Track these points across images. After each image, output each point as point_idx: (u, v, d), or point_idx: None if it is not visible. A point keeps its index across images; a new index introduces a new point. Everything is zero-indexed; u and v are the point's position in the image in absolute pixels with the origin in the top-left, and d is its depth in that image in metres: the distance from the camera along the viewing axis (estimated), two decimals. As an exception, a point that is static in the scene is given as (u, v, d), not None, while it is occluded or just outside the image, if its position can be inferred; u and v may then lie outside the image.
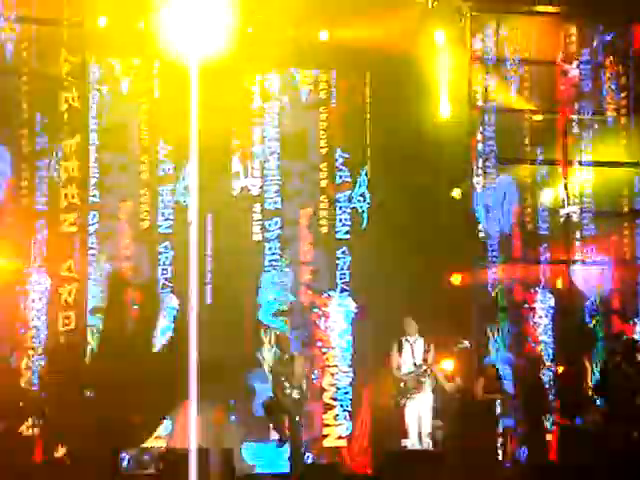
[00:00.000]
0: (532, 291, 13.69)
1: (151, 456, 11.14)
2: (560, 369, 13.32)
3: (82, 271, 11.99)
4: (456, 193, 13.28)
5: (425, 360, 11.48)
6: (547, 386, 13.26)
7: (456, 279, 13.30)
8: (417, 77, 12.77)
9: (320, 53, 12.99)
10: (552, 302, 13.76)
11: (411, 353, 11.52)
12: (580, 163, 13.74)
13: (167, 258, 12.81)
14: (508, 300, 13.42)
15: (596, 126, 13.79)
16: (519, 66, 13.56)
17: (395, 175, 13.05)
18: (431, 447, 11.47)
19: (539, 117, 13.61)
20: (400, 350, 11.57)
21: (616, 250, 13.95)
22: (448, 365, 12.11)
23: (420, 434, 11.48)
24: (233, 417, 12.41)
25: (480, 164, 13.43)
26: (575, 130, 13.74)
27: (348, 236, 13.40)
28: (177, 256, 12.70)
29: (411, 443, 11.46)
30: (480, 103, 13.35)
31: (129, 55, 12.76)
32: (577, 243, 13.74)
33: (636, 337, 13.29)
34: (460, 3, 12.85)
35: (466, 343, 12.09)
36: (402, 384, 11.49)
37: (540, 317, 13.67)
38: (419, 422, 11.49)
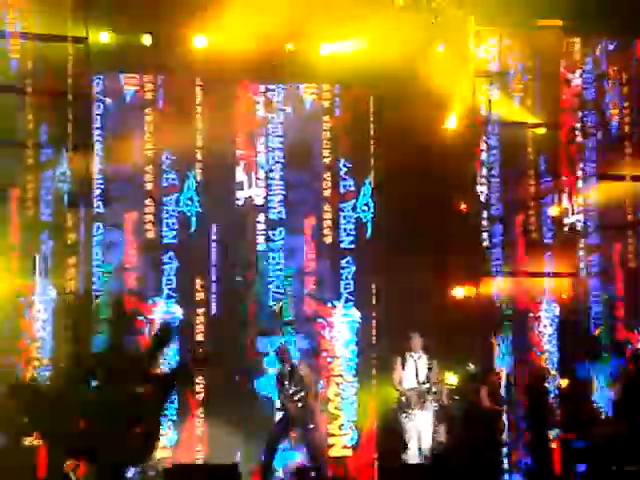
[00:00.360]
0: (537, 300, 13.71)
1: (156, 471, 11.11)
2: (564, 382, 13.32)
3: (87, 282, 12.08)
4: (462, 206, 13.35)
5: (428, 377, 11.48)
6: (552, 398, 13.26)
7: (461, 291, 13.32)
8: (421, 89, 12.78)
9: (323, 67, 12.99)
10: (557, 311, 13.77)
11: (414, 369, 11.53)
12: (583, 173, 13.77)
13: (171, 268, 12.82)
14: (513, 310, 13.43)
15: (599, 136, 13.81)
16: (522, 78, 13.59)
17: (399, 186, 13.05)
18: (431, 462, 11.46)
19: (542, 130, 13.64)
20: (403, 365, 11.58)
21: (620, 259, 13.97)
22: (452, 380, 12.15)
23: (420, 449, 11.48)
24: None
25: (484, 173, 13.46)
26: (578, 139, 13.75)
27: (352, 246, 13.41)
28: (181, 266, 12.75)
29: (410, 458, 11.46)
30: (484, 114, 13.38)
31: (133, 69, 12.77)
32: (581, 252, 13.76)
33: None
34: (463, 16, 12.84)
35: (472, 366, 12.09)
36: (404, 399, 11.51)
37: (545, 326, 13.68)
38: (419, 438, 11.49)
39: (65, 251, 11.93)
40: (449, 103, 13.34)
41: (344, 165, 13.45)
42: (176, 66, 12.57)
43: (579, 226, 13.73)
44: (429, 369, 11.62)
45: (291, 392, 11.55)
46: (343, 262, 13.36)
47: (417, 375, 11.57)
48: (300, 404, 11.56)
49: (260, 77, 13.13)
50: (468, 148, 13.37)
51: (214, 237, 12.93)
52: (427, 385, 11.51)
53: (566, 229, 13.70)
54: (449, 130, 13.42)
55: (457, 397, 12.29)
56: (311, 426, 11.52)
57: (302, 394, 11.58)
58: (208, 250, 12.88)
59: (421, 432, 11.49)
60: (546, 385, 13.40)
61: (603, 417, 13.20)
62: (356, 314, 13.27)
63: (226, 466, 10.48)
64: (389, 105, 13.19)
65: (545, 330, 13.65)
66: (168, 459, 12.16)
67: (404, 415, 11.52)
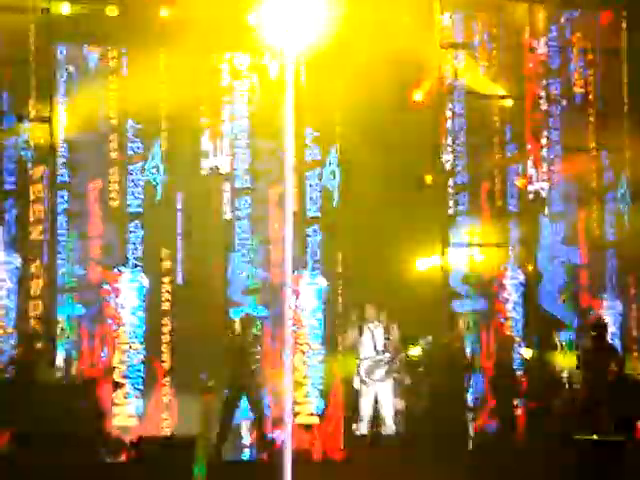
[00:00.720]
0: (502, 269, 13.80)
1: (124, 444, 11.06)
2: (527, 351, 13.41)
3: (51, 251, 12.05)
4: (427, 179, 13.37)
5: (385, 346, 11.49)
6: (517, 366, 13.36)
7: (426, 261, 13.39)
8: (387, 56, 12.76)
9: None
10: (522, 279, 13.87)
11: (371, 338, 11.53)
12: (548, 142, 13.84)
13: (137, 237, 12.78)
14: (478, 279, 13.53)
15: (564, 103, 13.87)
16: (487, 47, 13.62)
17: (365, 155, 13.06)
18: (394, 431, 11.51)
19: (509, 102, 13.68)
20: (360, 335, 11.58)
21: (584, 227, 14.08)
22: (415, 352, 12.21)
23: (378, 419, 11.50)
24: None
25: (450, 142, 13.51)
26: (543, 108, 13.80)
27: (319, 214, 13.41)
28: (147, 235, 12.71)
29: (363, 428, 11.50)
30: (449, 83, 13.40)
31: (98, 39, 12.65)
32: (545, 220, 13.86)
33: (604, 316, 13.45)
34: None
35: (429, 339, 12.10)
36: (360, 367, 11.51)
37: (510, 294, 13.78)
38: (376, 407, 11.48)
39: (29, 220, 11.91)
40: (415, 72, 13.34)
41: (309, 133, 13.42)
42: (141, 35, 12.48)
43: (543, 194, 13.81)
44: (387, 339, 11.61)
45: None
46: (309, 230, 13.37)
47: (375, 345, 11.57)
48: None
49: (225, 47, 13.06)
50: (434, 118, 13.40)
51: (179, 206, 12.89)
52: (384, 355, 11.49)
53: (531, 197, 13.79)
54: (415, 100, 13.43)
55: (419, 369, 12.32)
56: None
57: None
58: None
59: (380, 402, 11.47)
60: (511, 353, 13.50)
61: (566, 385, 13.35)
62: (322, 282, 13.29)
63: (191, 438, 10.48)
64: (356, 74, 13.15)
65: (510, 297, 13.76)
66: (134, 428, 12.20)
67: (360, 384, 11.52)
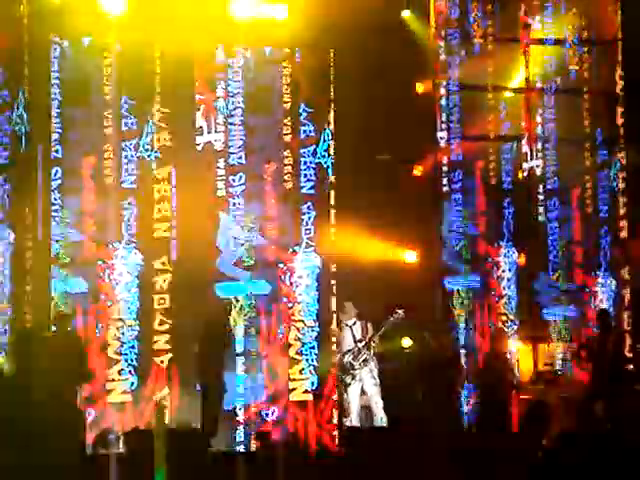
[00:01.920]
0: (495, 245, 13.83)
1: (116, 436, 11.06)
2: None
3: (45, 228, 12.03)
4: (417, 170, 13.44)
5: (363, 338, 11.51)
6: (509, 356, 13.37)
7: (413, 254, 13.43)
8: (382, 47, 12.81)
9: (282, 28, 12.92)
10: (515, 257, 13.90)
11: (351, 335, 11.55)
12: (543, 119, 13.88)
13: (131, 214, 12.75)
14: (472, 254, 13.57)
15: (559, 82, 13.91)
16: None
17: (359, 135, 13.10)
18: (385, 423, 11.52)
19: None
20: (340, 332, 11.61)
21: (578, 204, 14.11)
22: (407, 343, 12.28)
23: (367, 411, 11.52)
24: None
25: (444, 118, 13.54)
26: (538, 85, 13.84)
27: (313, 191, 13.40)
28: (141, 212, 12.67)
29: (351, 421, 11.51)
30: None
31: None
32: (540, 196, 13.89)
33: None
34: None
35: (400, 313, 12.12)
36: (344, 362, 11.53)
37: (504, 271, 13.80)
38: (363, 400, 11.51)
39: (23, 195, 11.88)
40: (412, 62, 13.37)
41: (304, 110, 13.41)
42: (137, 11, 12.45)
43: (538, 171, 13.83)
44: (365, 330, 11.63)
45: None
46: (304, 208, 13.36)
47: (354, 340, 11.60)
48: None
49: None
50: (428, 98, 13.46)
51: (174, 182, 12.86)
52: (362, 343, 11.51)
53: (525, 174, 13.81)
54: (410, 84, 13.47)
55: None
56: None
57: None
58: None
59: (367, 394, 11.47)
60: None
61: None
62: (316, 260, 13.29)
63: (188, 430, 10.46)
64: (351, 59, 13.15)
65: (504, 274, 13.79)
66: (128, 403, 12.22)
67: (346, 378, 11.53)
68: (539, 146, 13.99)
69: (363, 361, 11.51)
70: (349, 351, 11.57)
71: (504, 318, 13.68)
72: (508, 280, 13.73)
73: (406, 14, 13.58)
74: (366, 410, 11.97)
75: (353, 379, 11.51)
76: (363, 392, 11.66)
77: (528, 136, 13.96)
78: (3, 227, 11.95)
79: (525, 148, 13.95)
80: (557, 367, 13.63)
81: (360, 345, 11.55)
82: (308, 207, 13.37)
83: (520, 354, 13.65)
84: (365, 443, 10.16)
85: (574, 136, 14.06)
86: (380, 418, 11.63)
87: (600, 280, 14.09)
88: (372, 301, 12.88)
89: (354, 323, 11.75)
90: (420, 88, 13.63)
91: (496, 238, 13.80)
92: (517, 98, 13.93)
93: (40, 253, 11.93)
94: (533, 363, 13.64)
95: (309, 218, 13.37)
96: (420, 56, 13.50)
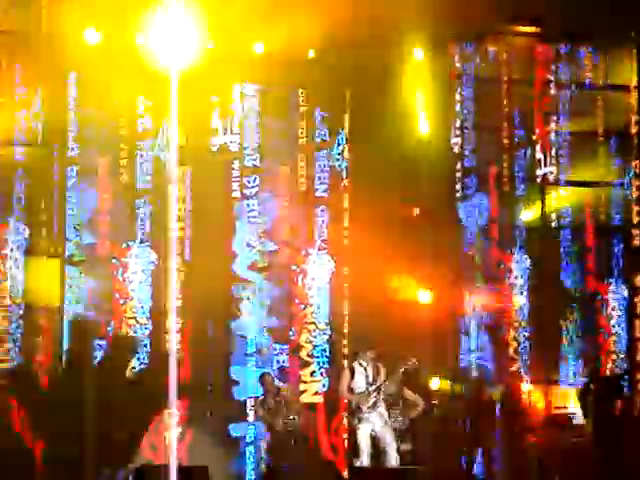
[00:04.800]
0: (508, 253, 13.86)
1: (126, 473, 11.03)
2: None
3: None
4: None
5: (375, 380, 11.48)
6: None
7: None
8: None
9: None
10: (528, 263, 13.94)
11: (365, 376, 11.52)
12: (557, 125, 13.89)
13: (145, 213, 12.81)
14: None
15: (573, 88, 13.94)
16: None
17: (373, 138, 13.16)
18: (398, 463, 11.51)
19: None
20: (352, 374, 11.57)
21: (590, 212, 14.16)
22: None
23: (379, 452, 11.50)
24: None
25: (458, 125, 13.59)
26: (552, 92, 13.86)
27: (326, 194, 13.45)
28: (155, 211, 12.74)
29: (362, 462, 11.50)
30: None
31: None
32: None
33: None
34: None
35: (413, 360, 12.06)
36: (354, 403, 11.52)
37: (516, 277, 13.83)
38: (373, 441, 11.49)
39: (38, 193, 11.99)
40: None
41: (320, 114, 13.47)
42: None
43: (551, 178, 13.87)
44: (377, 373, 11.61)
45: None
46: (317, 210, 13.41)
47: (367, 382, 11.57)
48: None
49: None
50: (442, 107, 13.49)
51: (188, 183, 12.93)
52: (375, 385, 11.49)
53: (538, 180, 13.85)
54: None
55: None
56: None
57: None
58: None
59: (377, 436, 11.48)
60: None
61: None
62: (329, 262, 13.33)
63: (197, 468, 10.34)
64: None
65: (516, 281, 13.82)
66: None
67: (357, 420, 11.53)
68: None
69: (373, 404, 11.46)
70: (360, 393, 11.47)
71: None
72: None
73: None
74: (382, 452, 11.85)
75: (360, 422, 11.47)
76: (374, 434, 11.59)
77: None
78: (19, 224, 12.04)
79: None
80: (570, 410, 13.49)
81: (371, 388, 11.45)
82: (321, 210, 13.42)
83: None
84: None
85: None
86: (394, 459, 11.57)
87: (612, 288, 14.09)
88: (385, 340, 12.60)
89: (368, 364, 11.65)
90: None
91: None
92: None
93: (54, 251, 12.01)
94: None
95: (322, 221, 13.41)
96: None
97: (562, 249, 14.04)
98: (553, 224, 13.98)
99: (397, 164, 13.07)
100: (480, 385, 13.28)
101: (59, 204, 12.24)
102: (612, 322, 13.99)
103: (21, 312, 11.85)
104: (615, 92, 14.04)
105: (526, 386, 13.48)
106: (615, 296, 14.02)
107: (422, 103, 13.39)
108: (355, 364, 11.59)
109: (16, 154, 12.09)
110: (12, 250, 11.86)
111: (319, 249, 13.32)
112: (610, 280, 14.05)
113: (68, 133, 12.45)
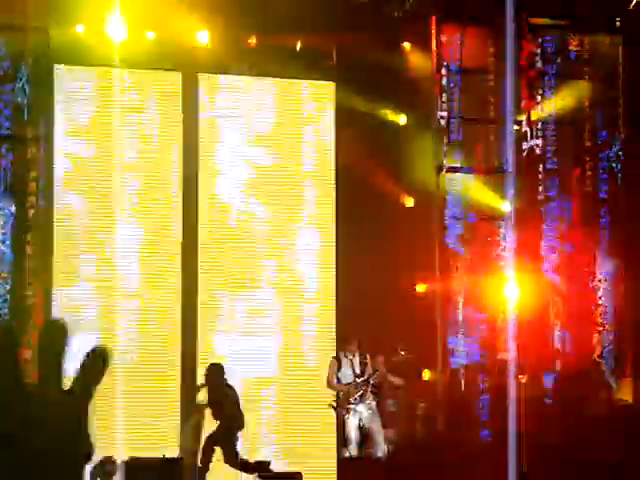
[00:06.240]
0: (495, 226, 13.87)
1: (114, 466, 10.97)
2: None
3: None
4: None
5: (362, 372, 11.47)
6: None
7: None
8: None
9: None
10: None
11: (351, 367, 11.51)
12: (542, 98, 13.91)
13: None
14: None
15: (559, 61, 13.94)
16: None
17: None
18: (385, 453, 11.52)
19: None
20: (339, 366, 11.60)
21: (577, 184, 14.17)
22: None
23: (367, 443, 11.50)
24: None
25: (444, 98, 13.62)
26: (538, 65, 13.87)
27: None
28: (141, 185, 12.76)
29: (350, 453, 11.51)
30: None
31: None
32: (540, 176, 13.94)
33: None
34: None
35: (403, 354, 12.05)
36: (341, 394, 11.53)
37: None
38: (361, 432, 11.49)
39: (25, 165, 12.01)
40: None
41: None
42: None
43: (538, 150, 13.86)
44: (364, 364, 11.61)
45: None
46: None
47: (354, 372, 11.56)
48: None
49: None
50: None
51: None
52: (363, 377, 11.48)
53: (524, 154, 13.84)
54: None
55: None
56: None
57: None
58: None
59: (365, 426, 11.48)
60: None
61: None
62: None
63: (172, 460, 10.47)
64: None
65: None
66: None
67: (344, 411, 11.53)
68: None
69: (360, 396, 11.45)
70: (347, 384, 11.47)
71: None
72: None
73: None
74: (370, 441, 11.83)
75: (348, 413, 11.47)
76: (362, 425, 11.59)
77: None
78: (6, 196, 12.03)
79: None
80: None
81: (358, 380, 11.44)
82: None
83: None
84: (361, 473, 10.20)
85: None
86: (382, 449, 11.59)
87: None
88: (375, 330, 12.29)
89: (354, 355, 11.68)
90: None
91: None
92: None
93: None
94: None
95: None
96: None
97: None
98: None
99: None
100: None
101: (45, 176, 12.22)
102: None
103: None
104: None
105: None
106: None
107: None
108: (341, 356, 11.62)
109: (2, 127, 12.09)
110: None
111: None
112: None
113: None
